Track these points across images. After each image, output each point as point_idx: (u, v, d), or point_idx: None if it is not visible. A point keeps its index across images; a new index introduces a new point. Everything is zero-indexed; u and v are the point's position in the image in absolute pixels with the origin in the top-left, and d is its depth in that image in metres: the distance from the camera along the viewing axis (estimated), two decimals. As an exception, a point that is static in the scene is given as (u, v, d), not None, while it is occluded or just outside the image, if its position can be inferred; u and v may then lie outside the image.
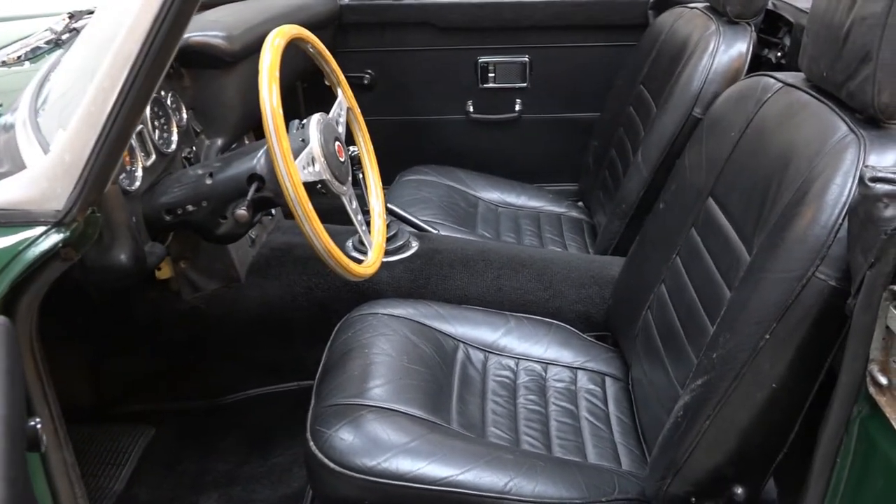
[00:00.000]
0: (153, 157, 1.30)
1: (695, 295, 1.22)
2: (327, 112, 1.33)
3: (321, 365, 1.37)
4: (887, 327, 0.77)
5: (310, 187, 1.20)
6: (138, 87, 0.79)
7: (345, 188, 1.27)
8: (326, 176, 1.20)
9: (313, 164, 1.19)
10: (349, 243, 1.69)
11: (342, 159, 1.27)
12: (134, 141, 1.24)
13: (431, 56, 2.37)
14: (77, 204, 0.82)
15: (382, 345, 1.39)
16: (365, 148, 1.47)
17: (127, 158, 1.23)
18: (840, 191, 0.89)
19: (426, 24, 2.32)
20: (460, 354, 1.47)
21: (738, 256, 1.10)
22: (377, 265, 1.32)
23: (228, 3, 1.92)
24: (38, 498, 0.97)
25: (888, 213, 0.75)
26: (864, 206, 0.78)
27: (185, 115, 1.47)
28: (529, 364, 1.49)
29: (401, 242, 1.68)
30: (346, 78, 2.36)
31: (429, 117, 2.47)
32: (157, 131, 1.35)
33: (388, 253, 1.65)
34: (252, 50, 1.57)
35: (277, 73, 1.13)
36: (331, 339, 1.44)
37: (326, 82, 1.44)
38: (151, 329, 1.62)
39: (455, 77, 2.40)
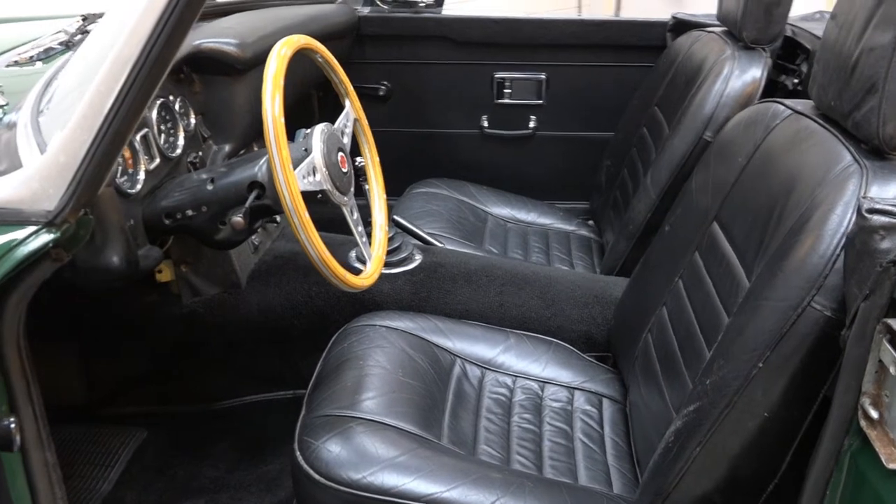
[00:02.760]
0: (157, 160, 1.31)
1: (694, 319, 1.20)
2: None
3: (315, 374, 1.37)
4: (880, 360, 0.75)
5: (310, 197, 1.20)
6: (136, 91, 0.79)
7: (346, 199, 1.27)
8: (327, 186, 1.20)
9: (314, 174, 1.19)
10: (352, 254, 1.69)
11: (345, 170, 1.26)
12: (138, 144, 1.25)
13: (448, 70, 2.38)
14: (69, 205, 0.82)
15: (378, 357, 1.38)
16: (371, 159, 1.47)
17: (129, 161, 1.23)
18: (839, 221, 0.87)
19: (443, 39, 2.33)
20: (457, 370, 1.46)
21: (738, 282, 1.08)
22: (375, 277, 1.32)
23: (245, 10, 1.95)
24: (17, 498, 0.96)
25: (884, 245, 0.73)
26: (860, 237, 0.76)
27: (192, 121, 1.48)
28: (526, 382, 1.48)
29: (404, 254, 1.68)
30: (362, 89, 2.41)
31: (443, 131, 2.47)
32: (162, 135, 1.36)
33: (390, 265, 1.65)
34: (264, 58, 1.58)
35: (282, 83, 1.14)
36: (326, 349, 1.44)
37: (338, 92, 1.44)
38: (147, 331, 1.63)
39: (471, 92, 2.40)
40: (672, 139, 1.68)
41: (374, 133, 2.45)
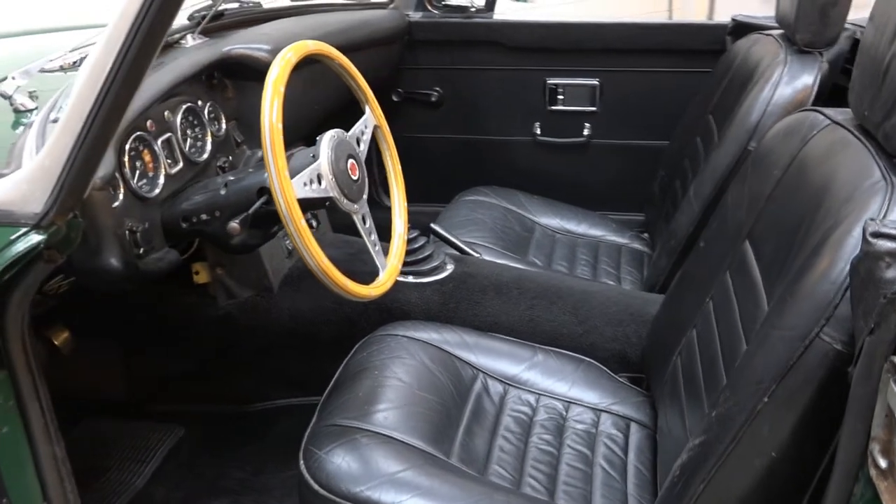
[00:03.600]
0: (180, 164, 1.33)
1: (718, 344, 1.12)
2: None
3: (331, 383, 1.36)
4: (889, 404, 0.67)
5: (318, 204, 1.20)
6: (112, 98, 0.80)
7: (356, 206, 1.26)
8: (333, 193, 1.19)
9: (319, 182, 1.18)
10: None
11: (355, 177, 1.25)
12: (159, 148, 1.27)
13: (500, 76, 2.34)
14: (54, 208, 0.83)
15: (395, 368, 1.36)
16: (392, 167, 1.45)
17: (150, 165, 1.26)
18: (856, 244, 0.79)
19: (495, 44, 2.29)
20: (478, 385, 1.42)
21: (760, 306, 1.00)
22: (385, 287, 1.29)
23: (292, 16, 1.97)
24: (27, 490, 0.99)
25: (890, 273, 0.65)
26: (864, 263, 0.68)
27: (223, 125, 1.50)
28: (550, 401, 1.42)
29: (435, 263, 1.65)
30: (414, 95, 2.40)
31: (495, 138, 2.43)
32: (188, 140, 1.38)
33: (420, 274, 1.63)
34: (297, 64, 1.59)
35: (282, 89, 1.13)
36: (347, 358, 1.42)
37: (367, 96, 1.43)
38: (186, 331, 1.66)
39: (523, 98, 2.35)
40: (717, 149, 1.58)
41: (425, 139, 2.47)
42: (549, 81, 2.31)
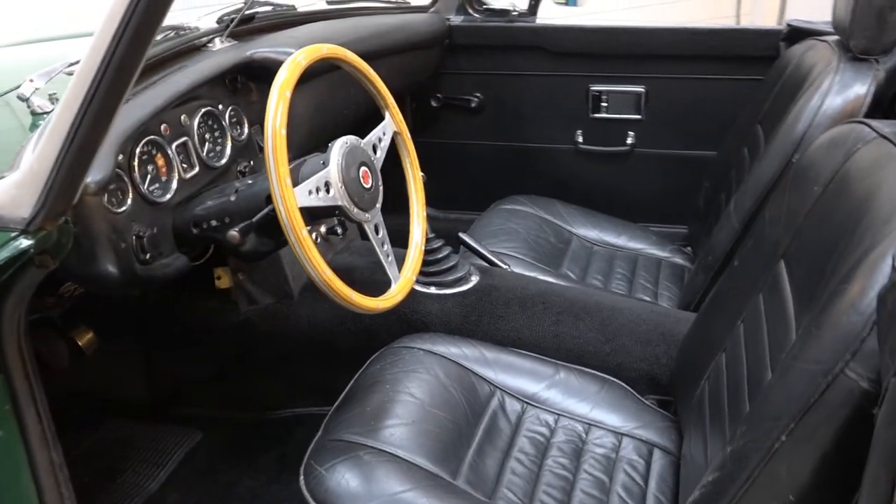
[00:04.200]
0: (196, 169, 1.31)
1: (745, 372, 1.04)
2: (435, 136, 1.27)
3: (342, 395, 1.32)
4: (915, 454, 0.59)
5: (327, 212, 1.16)
6: (98, 104, 0.78)
7: (367, 215, 1.22)
8: (343, 202, 1.15)
9: (328, 189, 1.14)
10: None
11: (367, 185, 1.21)
12: (172, 152, 1.26)
13: (542, 82, 2.28)
14: (41, 214, 0.82)
15: (408, 383, 1.31)
16: (412, 174, 1.41)
17: (163, 170, 1.25)
18: (889, 271, 0.71)
19: (537, 49, 2.23)
20: (494, 403, 1.36)
21: (788, 334, 0.92)
22: (394, 301, 1.25)
23: (331, 18, 1.95)
24: (23, 495, 0.98)
25: (918, 307, 0.57)
26: (892, 295, 0.60)
27: (246, 130, 1.48)
28: (570, 422, 1.35)
29: (459, 275, 1.60)
30: (454, 100, 2.35)
31: (535, 145, 2.37)
32: (206, 144, 1.37)
33: (443, 285, 1.58)
34: (324, 69, 1.56)
35: (288, 94, 1.10)
36: (361, 370, 1.39)
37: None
38: (207, 336, 1.65)
39: (565, 105, 2.28)
40: (761, 161, 1.49)
41: (464, 145, 2.43)
42: (592, 88, 2.23)
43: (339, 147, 1.18)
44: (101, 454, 1.64)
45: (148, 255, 1.15)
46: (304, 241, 1.06)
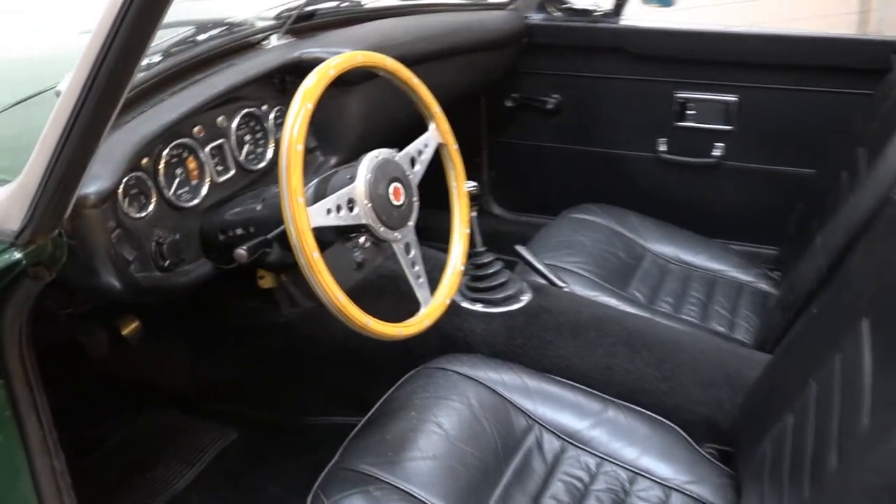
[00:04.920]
0: (231, 172, 1.27)
1: (811, 446, 0.90)
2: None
3: (365, 418, 1.26)
4: None
5: (350, 231, 1.09)
6: (84, 121, 0.74)
7: (396, 234, 1.14)
8: (367, 220, 1.08)
9: (351, 207, 1.07)
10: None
11: (397, 202, 1.13)
12: (204, 155, 1.22)
13: (624, 85, 2.13)
14: (28, 228, 0.81)
15: (437, 411, 1.23)
16: (457, 190, 1.31)
17: (195, 173, 1.21)
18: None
19: (620, 51, 2.08)
20: (530, 439, 1.26)
21: (859, 415, 0.77)
22: (419, 327, 1.17)
23: (403, 15, 1.88)
24: (23, 502, 0.98)
25: None
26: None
27: None
28: (613, 469, 1.23)
29: (509, 292, 1.49)
30: (530, 101, 2.24)
31: (614, 151, 2.22)
32: (245, 146, 1.32)
33: (490, 303, 1.48)
34: (369, 75, 1.50)
35: (311, 104, 1.03)
36: (390, 391, 1.32)
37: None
38: (248, 335, 1.63)
39: (648, 111, 2.13)
40: (858, 191, 1.31)
41: (539, 148, 2.31)
42: (677, 95, 2.06)
43: (369, 161, 1.10)
44: (137, 444, 1.65)
45: (167, 262, 1.12)
46: (314, 265, 0.99)
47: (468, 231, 1.33)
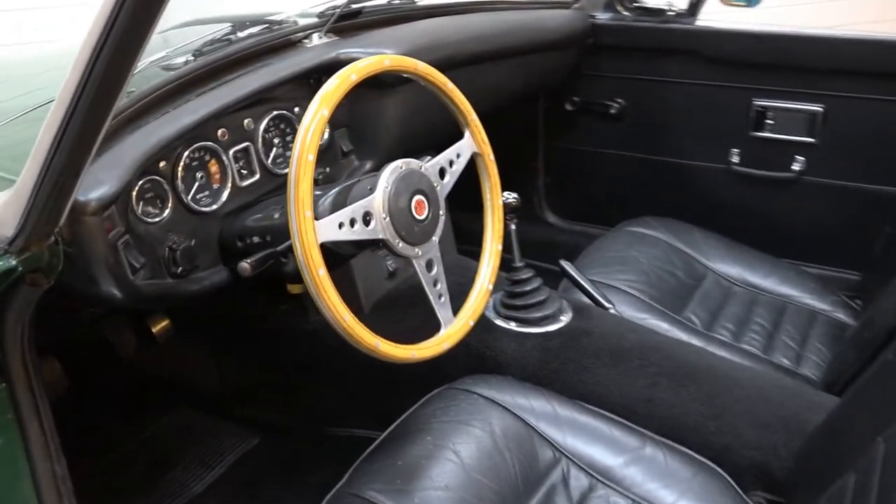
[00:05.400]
0: (257, 175, 1.23)
1: None
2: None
3: (380, 438, 1.19)
4: None
5: (365, 245, 1.03)
6: (75, 130, 0.71)
7: (416, 251, 1.06)
8: (385, 235, 1.01)
9: (367, 221, 1.00)
10: (491, 301, 1.45)
11: (420, 216, 1.05)
12: (228, 158, 1.18)
13: (695, 91, 1.98)
14: (23, 234, 0.79)
15: (455, 437, 1.15)
16: (491, 204, 1.23)
17: (217, 177, 1.17)
18: None
19: (693, 54, 1.94)
20: (556, 474, 1.16)
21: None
22: (437, 350, 1.09)
23: (460, 13, 1.81)
24: (24, 505, 0.97)
25: None
26: None
27: (326, 134, 1.37)
28: (645, 513, 1.12)
29: (547, 312, 1.40)
30: (593, 105, 2.12)
31: (681, 161, 2.08)
32: (274, 149, 1.27)
33: (526, 322, 1.39)
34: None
35: (327, 111, 0.96)
36: (409, 410, 1.25)
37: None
38: (275, 340, 1.59)
39: (722, 119, 1.97)
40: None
41: (599, 155, 2.19)
42: (755, 102, 1.90)
43: (391, 172, 1.03)
44: (161, 442, 1.65)
45: (180, 269, 1.08)
46: (319, 283, 0.93)
47: (500, 248, 1.24)
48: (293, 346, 1.57)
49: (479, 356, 1.38)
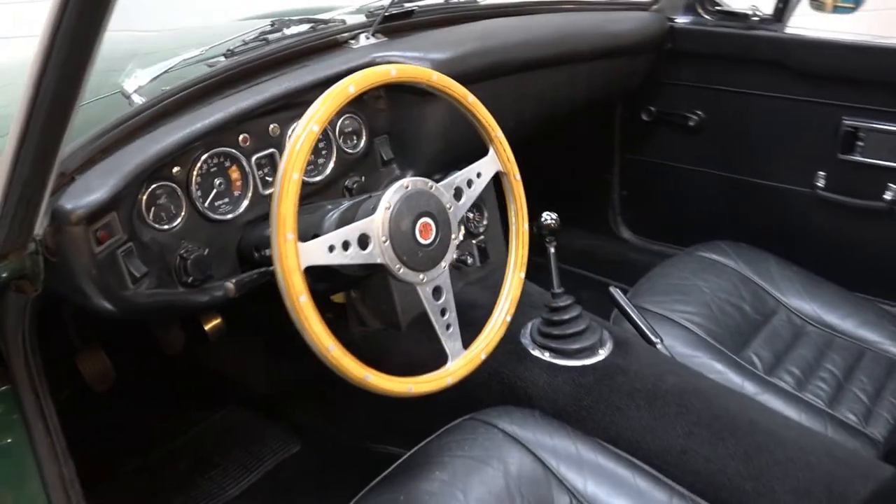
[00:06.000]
0: None
1: None
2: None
3: (390, 469, 1.14)
4: None
5: (368, 269, 0.97)
6: (35, 136, 0.68)
7: (421, 277, 1.00)
8: (384, 260, 0.95)
9: (363, 244, 0.94)
10: (528, 327, 1.37)
11: (425, 241, 0.99)
12: (250, 165, 1.15)
13: (780, 106, 1.82)
14: None
15: (466, 475, 1.09)
16: (516, 228, 1.14)
17: (237, 184, 1.14)
18: None
19: (778, 65, 1.77)
20: (570, 526, 1.08)
21: None
22: (438, 385, 1.03)
23: (525, 13, 1.72)
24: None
25: None
26: None
27: (363, 141, 1.32)
28: (664, 581, 1.03)
29: (585, 344, 1.30)
30: (669, 116, 1.99)
31: (761, 182, 1.92)
32: None
33: (560, 353, 1.30)
34: (469, 79, 1.35)
35: (317, 127, 0.90)
36: (427, 440, 1.19)
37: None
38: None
39: (808, 138, 1.80)
40: None
41: (677, 170, 2.05)
42: (845, 121, 1.72)
43: (394, 192, 0.97)
44: (207, 441, 1.65)
45: (191, 279, 1.05)
46: (300, 311, 0.88)
47: (523, 277, 1.16)
48: None
49: (510, 386, 1.30)
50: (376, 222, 0.94)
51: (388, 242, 0.95)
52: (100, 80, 1.18)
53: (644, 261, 2.12)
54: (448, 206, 1.03)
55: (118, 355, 1.47)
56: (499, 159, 1.10)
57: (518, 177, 1.13)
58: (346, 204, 1.03)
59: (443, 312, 1.04)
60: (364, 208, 0.98)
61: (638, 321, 1.41)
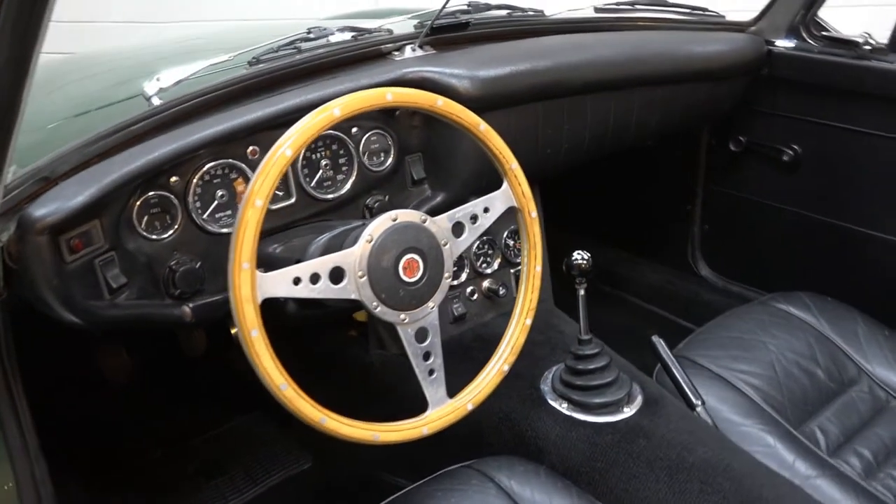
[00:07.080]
0: (292, 199, 1.14)
1: None
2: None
3: None
4: None
5: (339, 304, 0.90)
6: None
7: (402, 317, 0.92)
8: (357, 296, 0.88)
9: (336, 278, 0.87)
10: (552, 372, 1.26)
11: (409, 279, 0.91)
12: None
13: (889, 147, 1.59)
14: None
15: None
16: (527, 268, 1.04)
17: (243, 196, 1.10)
18: None
19: (890, 101, 1.55)
20: None
21: None
22: (410, 434, 0.94)
23: (581, 31, 1.60)
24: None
25: None
26: None
27: (390, 159, 1.25)
28: None
29: (609, 399, 1.18)
30: (761, 148, 1.80)
31: (858, 229, 1.69)
32: (321, 171, 1.18)
33: (581, 406, 1.18)
34: (505, 101, 1.26)
35: (289, 151, 0.84)
36: (415, 484, 1.11)
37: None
38: (338, 364, 1.52)
39: None
40: None
41: (766, 207, 1.86)
42: None
43: (379, 224, 0.89)
44: (222, 445, 1.64)
45: (178, 291, 1.02)
46: (251, 345, 0.82)
47: (529, 323, 1.05)
48: (351, 377, 1.49)
49: (521, 435, 1.20)
50: (354, 255, 0.88)
51: (364, 278, 0.88)
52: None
53: (720, 302, 1.94)
54: (443, 242, 0.94)
55: (145, 354, 1.49)
56: (513, 193, 1.01)
57: (534, 214, 1.02)
58: (337, 230, 0.97)
59: (426, 356, 0.96)
60: (354, 236, 0.91)
61: (679, 378, 1.27)
